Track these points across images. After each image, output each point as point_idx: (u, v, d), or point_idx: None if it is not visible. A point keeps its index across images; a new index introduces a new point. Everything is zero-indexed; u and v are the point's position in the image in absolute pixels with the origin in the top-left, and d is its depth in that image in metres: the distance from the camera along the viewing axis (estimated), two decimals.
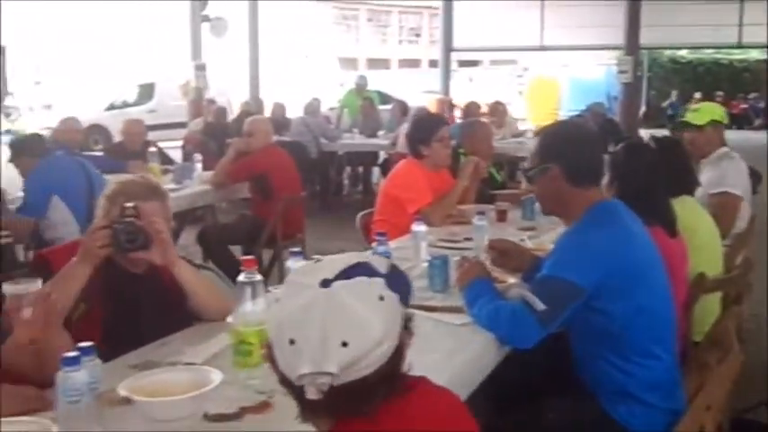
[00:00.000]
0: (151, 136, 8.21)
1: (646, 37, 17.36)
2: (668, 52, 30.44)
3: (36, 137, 5.69)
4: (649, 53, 27.56)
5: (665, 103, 28.48)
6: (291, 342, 1.28)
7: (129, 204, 2.55)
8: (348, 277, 1.32)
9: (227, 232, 6.35)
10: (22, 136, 6.28)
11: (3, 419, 1.89)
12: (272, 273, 5.99)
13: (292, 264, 2.66)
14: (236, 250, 6.07)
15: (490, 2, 20.00)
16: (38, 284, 2.15)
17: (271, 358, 1.34)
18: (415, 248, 3.50)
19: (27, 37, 27.76)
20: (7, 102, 24.38)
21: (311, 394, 1.28)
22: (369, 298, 1.30)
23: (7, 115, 23.34)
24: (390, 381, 1.34)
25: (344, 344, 1.26)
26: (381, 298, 1.31)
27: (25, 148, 5.29)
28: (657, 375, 2.55)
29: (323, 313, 1.27)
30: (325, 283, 1.31)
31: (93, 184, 5.15)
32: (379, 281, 1.33)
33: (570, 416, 2.60)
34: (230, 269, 3.66)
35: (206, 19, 15.58)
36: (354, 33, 44.75)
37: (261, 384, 2.10)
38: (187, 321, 2.70)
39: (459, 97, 16.99)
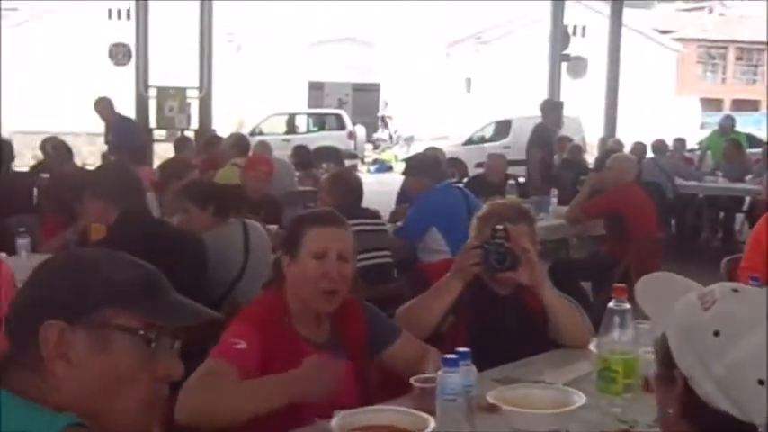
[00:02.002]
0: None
1: None
2: None
3: (434, 160, 6.10)
4: None
5: None
6: (761, 383, 1.19)
7: (500, 227, 2.70)
8: None
9: (578, 267, 6.37)
10: (422, 155, 6.81)
11: (382, 407, 2.11)
12: None
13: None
14: (585, 286, 6.05)
15: None
16: None
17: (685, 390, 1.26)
18: None
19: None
20: (378, 134, 26.77)
21: None
22: None
23: (376, 147, 25.58)
24: None
25: None
26: None
27: (425, 169, 5.71)
28: None
29: None
30: None
31: (472, 213, 5.43)
32: None
33: None
34: (580, 304, 3.67)
35: (566, 59, 15.74)
36: (720, 73, 42.31)
37: (623, 413, 2.12)
38: (546, 345, 2.77)
39: None
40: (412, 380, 2.22)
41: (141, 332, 1.26)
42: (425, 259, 5.23)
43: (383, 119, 28.38)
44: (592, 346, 2.37)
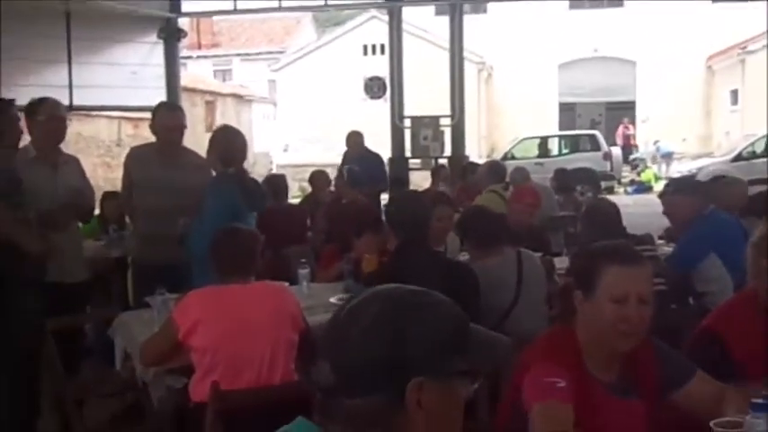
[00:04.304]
0: None
1: None
2: None
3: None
4: None
5: None
6: None
7: None
8: None
9: None
10: (687, 177, 6.47)
11: None
12: None
13: None
14: None
15: None
16: None
17: None
18: None
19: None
20: (635, 154, 25.73)
21: None
22: None
23: (634, 167, 24.58)
24: None
25: None
26: None
27: (695, 189, 5.37)
28: None
29: None
30: None
31: (748, 236, 5.01)
32: None
33: None
34: None
35: None
36: None
37: None
38: None
39: None
40: (712, 423, 2.04)
41: (473, 375, 1.28)
42: (703, 289, 4.87)
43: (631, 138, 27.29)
44: None
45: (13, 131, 4.38)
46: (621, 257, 2.28)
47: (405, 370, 1.24)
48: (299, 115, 28.63)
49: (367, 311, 1.30)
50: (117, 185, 5.47)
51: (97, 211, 6.45)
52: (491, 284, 3.68)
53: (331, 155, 23.59)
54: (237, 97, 31.17)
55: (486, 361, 1.28)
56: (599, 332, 2.25)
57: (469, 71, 21.26)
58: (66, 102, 14.36)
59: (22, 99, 5.01)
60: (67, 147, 4.98)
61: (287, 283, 4.29)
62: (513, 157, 20.14)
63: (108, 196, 6.98)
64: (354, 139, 10.35)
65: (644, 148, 26.58)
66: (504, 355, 1.32)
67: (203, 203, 4.33)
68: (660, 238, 6.09)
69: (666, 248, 5.64)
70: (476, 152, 21.96)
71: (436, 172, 9.42)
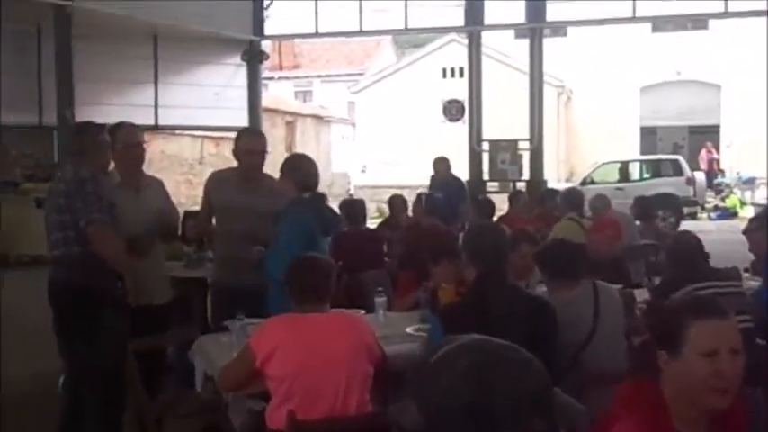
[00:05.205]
0: None
1: None
2: None
3: None
4: None
5: None
6: None
7: None
8: None
9: None
10: None
11: None
12: None
13: None
14: None
15: None
16: None
17: None
18: None
19: None
20: (719, 179, 25.04)
21: None
22: None
23: (718, 192, 23.91)
24: None
25: None
26: None
27: None
28: None
29: None
30: None
31: None
32: None
33: None
34: None
35: None
36: None
37: None
38: None
39: None
40: None
41: None
42: None
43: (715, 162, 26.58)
44: None
45: (102, 156, 4.50)
46: (706, 311, 2.17)
47: (489, 422, 1.26)
48: (378, 137, 28.83)
49: (458, 360, 1.35)
50: (198, 203, 5.58)
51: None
52: (567, 317, 3.62)
53: (408, 177, 23.67)
54: (317, 118, 31.60)
55: (563, 424, 1.28)
56: (689, 389, 2.14)
57: (549, 94, 21.06)
58: (151, 121, 14.90)
59: (110, 118, 5.16)
60: (151, 165, 5.11)
61: (363, 311, 4.31)
62: (592, 182, 19.83)
63: (188, 216, 7.10)
64: (441, 164, 10.43)
65: (729, 173, 25.87)
66: (581, 424, 1.31)
67: (278, 228, 4.38)
68: (746, 270, 5.91)
69: (753, 282, 5.46)
70: (554, 176, 21.70)
71: (514, 197, 9.34)
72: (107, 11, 12.61)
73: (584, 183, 19.27)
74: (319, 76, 36.68)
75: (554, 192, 9.19)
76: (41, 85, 13.88)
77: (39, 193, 12.89)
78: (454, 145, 17.46)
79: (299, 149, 26.64)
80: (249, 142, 4.98)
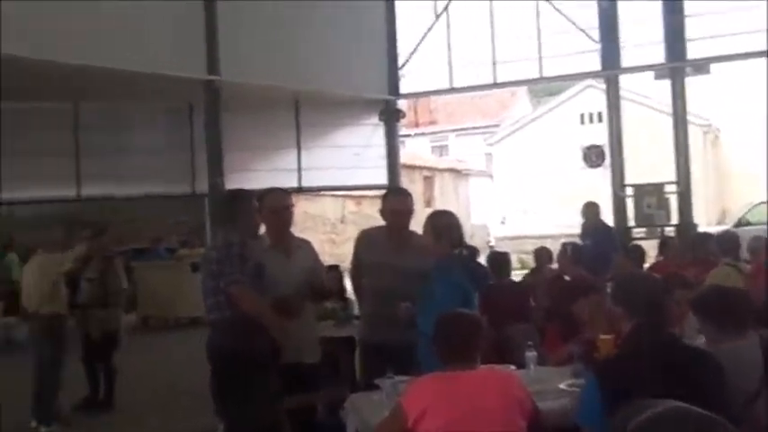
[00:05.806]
0: None
1: None
2: None
3: None
4: None
5: None
6: None
7: None
8: None
9: None
10: None
11: None
12: None
13: None
14: None
15: None
16: None
17: None
18: None
19: None
20: None
21: None
22: None
23: None
24: None
25: None
26: None
27: None
28: None
29: None
30: None
31: None
32: None
33: None
34: None
35: None
36: None
37: None
38: None
39: None
40: None
41: None
42: None
43: None
44: None
45: (250, 221, 4.70)
46: None
47: None
48: (516, 187, 28.62)
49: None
50: (341, 261, 5.69)
51: None
52: (732, 372, 3.39)
53: (548, 226, 23.29)
54: (455, 172, 31.77)
55: None
56: None
57: (694, 134, 20.29)
58: (294, 184, 15.40)
59: (257, 183, 5.38)
60: (295, 225, 5.25)
61: (513, 366, 4.22)
62: (747, 223, 18.82)
63: (329, 269, 7.22)
64: (591, 209, 10.25)
65: None
66: None
67: (429, 285, 4.38)
68: None
69: None
70: (704, 219, 20.78)
71: (664, 243, 8.98)
72: (252, 83, 13.26)
73: (738, 224, 18.33)
74: (455, 130, 36.97)
75: (707, 236, 8.75)
76: (194, 156, 14.68)
77: (193, 258, 13.64)
78: (595, 191, 17.10)
79: (438, 204, 26.85)
80: (396, 202, 5.04)
